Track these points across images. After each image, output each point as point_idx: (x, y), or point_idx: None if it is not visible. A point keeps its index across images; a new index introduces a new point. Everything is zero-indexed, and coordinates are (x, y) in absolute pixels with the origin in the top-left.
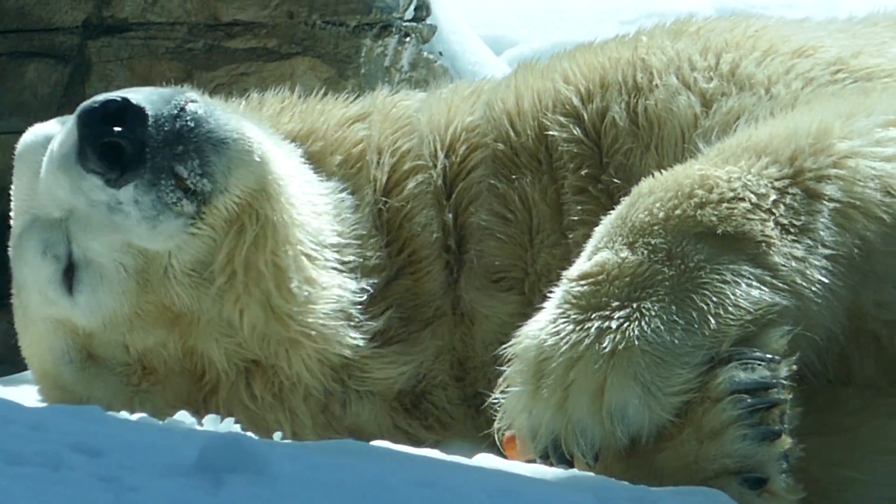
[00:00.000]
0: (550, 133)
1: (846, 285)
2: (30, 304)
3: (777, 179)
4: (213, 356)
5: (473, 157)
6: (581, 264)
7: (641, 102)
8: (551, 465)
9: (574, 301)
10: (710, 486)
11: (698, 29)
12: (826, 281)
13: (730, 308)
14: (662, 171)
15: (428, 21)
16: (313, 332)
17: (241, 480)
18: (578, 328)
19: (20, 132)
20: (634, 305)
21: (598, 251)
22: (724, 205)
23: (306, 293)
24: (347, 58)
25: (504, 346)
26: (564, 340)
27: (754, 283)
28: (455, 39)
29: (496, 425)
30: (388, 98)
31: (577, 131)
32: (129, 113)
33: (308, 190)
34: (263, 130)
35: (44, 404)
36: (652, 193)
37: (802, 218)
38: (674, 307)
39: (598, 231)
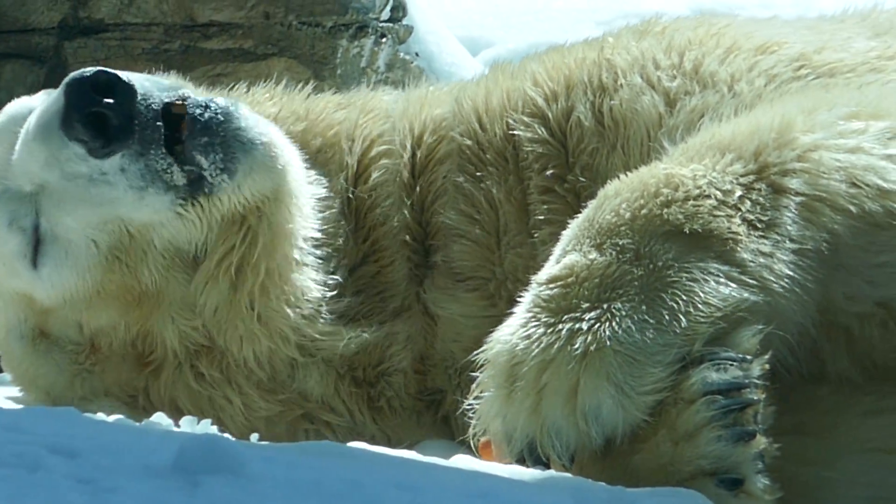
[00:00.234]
0: (516, 133)
1: (816, 279)
2: None
3: (742, 175)
4: (165, 337)
5: (439, 148)
6: (550, 268)
7: (606, 102)
8: (528, 467)
9: (544, 304)
10: (687, 488)
11: (663, 28)
12: (795, 275)
13: (699, 305)
14: (628, 170)
15: (404, 22)
16: (272, 331)
17: (218, 482)
18: (549, 331)
19: None
20: (605, 306)
21: (567, 254)
22: (690, 202)
23: (285, 296)
24: (324, 58)
25: (464, 348)
26: (536, 344)
27: (723, 280)
28: (431, 40)
29: (471, 431)
30: (370, 92)
31: (542, 131)
32: (118, 87)
33: (309, 194)
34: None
35: (20, 405)
36: (618, 195)
37: (769, 213)
38: (644, 307)
39: (566, 234)
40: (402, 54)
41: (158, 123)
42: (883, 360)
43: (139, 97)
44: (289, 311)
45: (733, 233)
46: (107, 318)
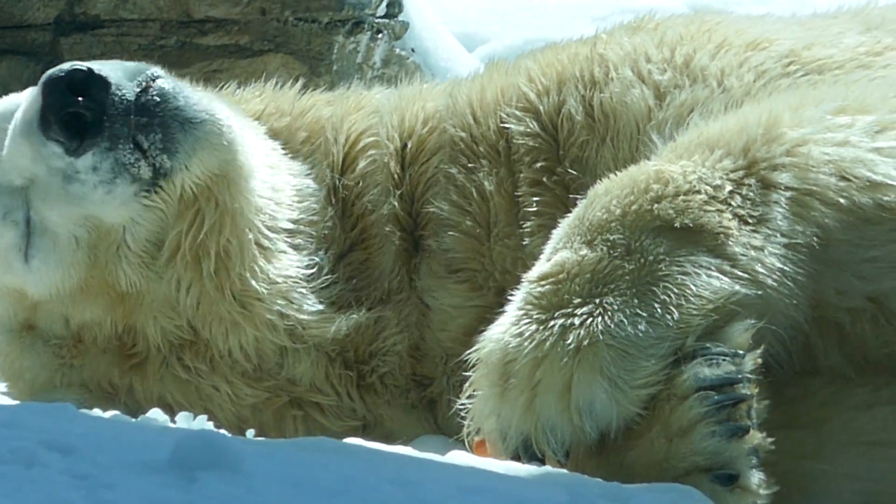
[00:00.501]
0: (508, 126)
1: (806, 273)
2: None
3: (731, 171)
4: (147, 333)
5: (431, 139)
6: (541, 265)
7: (597, 95)
8: (524, 463)
9: (536, 301)
10: (683, 483)
11: (657, 25)
12: (786, 269)
13: (691, 298)
14: (617, 163)
15: (400, 18)
16: (255, 319)
17: (215, 478)
18: (542, 327)
19: None
20: (597, 301)
21: (557, 251)
22: (681, 198)
23: (252, 281)
24: (320, 54)
25: (452, 337)
26: (528, 340)
27: (714, 273)
28: (427, 36)
29: (465, 431)
30: (361, 90)
31: (533, 125)
32: (92, 83)
33: (270, 175)
34: (234, 112)
35: (15, 402)
36: (608, 193)
37: (759, 208)
38: (636, 300)
39: (556, 233)
40: (398, 50)
41: (130, 116)
42: (875, 355)
43: (112, 88)
44: (269, 296)
45: (724, 227)
46: (91, 313)
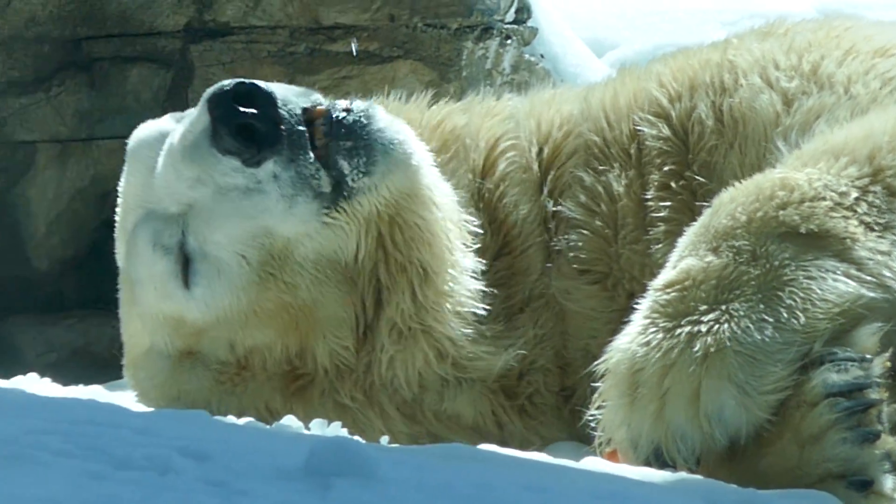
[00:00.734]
0: (640, 129)
1: None
2: (143, 298)
3: (857, 178)
4: (317, 354)
5: (567, 143)
6: (666, 273)
7: (726, 101)
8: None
9: (662, 310)
10: (818, 490)
11: (786, 30)
12: None
13: (817, 302)
14: (744, 169)
15: (529, 23)
16: (432, 347)
17: (349, 484)
18: (668, 336)
19: (123, 137)
20: (723, 308)
21: (683, 259)
22: (806, 204)
23: (442, 296)
24: (449, 60)
25: (600, 344)
26: (655, 349)
27: (840, 277)
28: (556, 42)
29: (596, 442)
30: (492, 98)
31: (665, 129)
32: (259, 96)
33: (447, 192)
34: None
35: (151, 409)
36: (734, 200)
37: (885, 216)
38: (762, 306)
39: (682, 241)
40: (527, 56)
41: (302, 128)
42: None
43: (279, 103)
44: (451, 320)
45: (850, 233)
46: (262, 336)
